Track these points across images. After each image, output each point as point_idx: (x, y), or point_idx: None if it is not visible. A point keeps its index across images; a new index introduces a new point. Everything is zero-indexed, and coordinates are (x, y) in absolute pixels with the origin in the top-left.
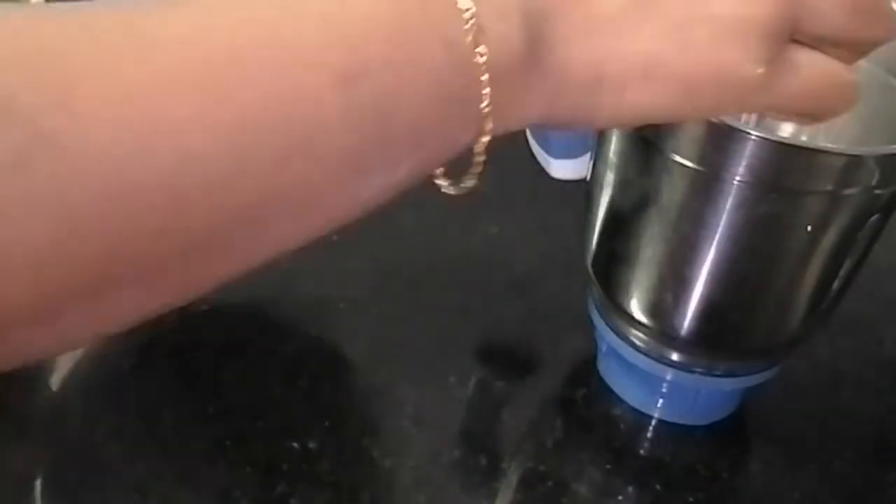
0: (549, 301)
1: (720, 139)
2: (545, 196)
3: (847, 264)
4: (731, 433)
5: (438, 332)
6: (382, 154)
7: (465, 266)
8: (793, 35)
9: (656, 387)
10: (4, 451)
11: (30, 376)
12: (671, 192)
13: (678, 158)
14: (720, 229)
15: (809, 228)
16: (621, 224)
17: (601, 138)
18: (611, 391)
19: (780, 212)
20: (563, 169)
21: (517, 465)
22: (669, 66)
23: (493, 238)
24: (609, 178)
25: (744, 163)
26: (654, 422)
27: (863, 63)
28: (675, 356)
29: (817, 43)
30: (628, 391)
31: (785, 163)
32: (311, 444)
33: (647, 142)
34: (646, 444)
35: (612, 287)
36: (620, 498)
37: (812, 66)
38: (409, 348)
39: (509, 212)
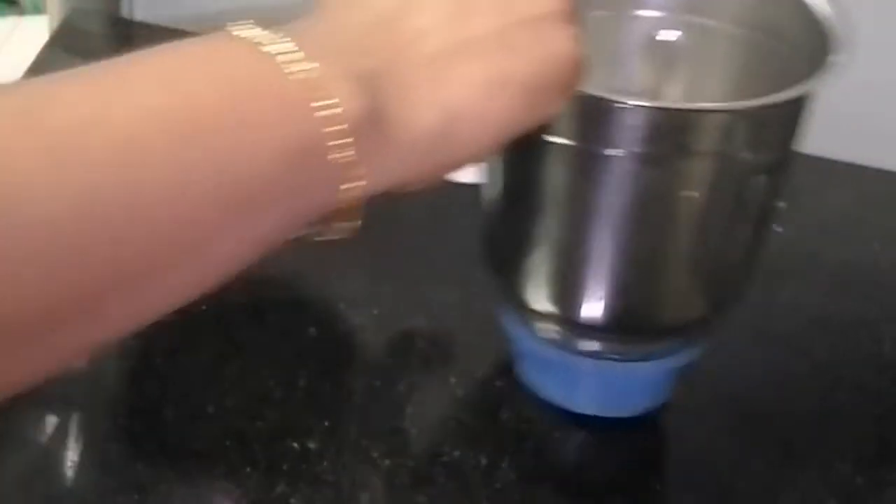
0: None
1: (589, 111)
2: None
3: (744, 233)
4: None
5: (438, 332)
6: (228, 212)
7: (466, 266)
8: None
9: (574, 379)
10: (5, 452)
11: None
12: (555, 176)
13: (554, 139)
14: (607, 207)
15: (692, 193)
16: (514, 217)
17: None
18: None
19: (660, 179)
20: (465, 172)
21: (517, 464)
22: (510, 73)
23: None
24: (498, 172)
25: (616, 133)
26: (578, 418)
27: (727, 26)
28: (588, 345)
29: None
30: (547, 389)
31: (654, 128)
32: (311, 444)
33: None
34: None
35: (515, 282)
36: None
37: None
38: (409, 348)
39: None
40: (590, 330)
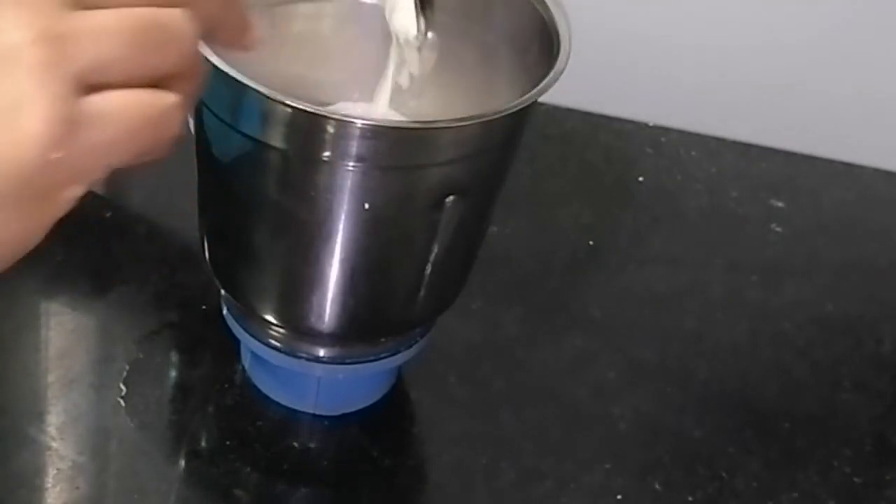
0: (549, 301)
1: (286, 119)
2: (544, 196)
3: (437, 246)
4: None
5: (437, 332)
6: None
7: None
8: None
9: (299, 381)
10: (7, 451)
11: (30, 371)
12: (264, 183)
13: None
14: (315, 217)
15: (379, 206)
16: (229, 225)
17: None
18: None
19: (352, 190)
20: None
21: (517, 464)
22: None
23: (492, 238)
24: (209, 179)
25: (315, 142)
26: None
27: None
28: (312, 350)
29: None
30: (272, 389)
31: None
32: (311, 444)
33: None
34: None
35: (237, 290)
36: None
37: (122, 113)
38: None
39: (509, 212)
40: (312, 337)
